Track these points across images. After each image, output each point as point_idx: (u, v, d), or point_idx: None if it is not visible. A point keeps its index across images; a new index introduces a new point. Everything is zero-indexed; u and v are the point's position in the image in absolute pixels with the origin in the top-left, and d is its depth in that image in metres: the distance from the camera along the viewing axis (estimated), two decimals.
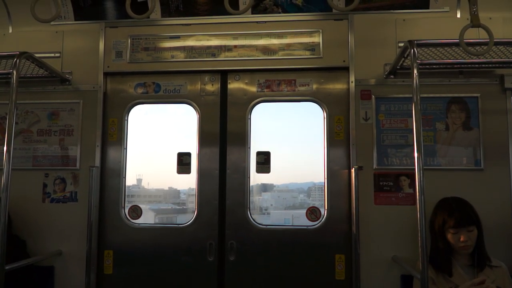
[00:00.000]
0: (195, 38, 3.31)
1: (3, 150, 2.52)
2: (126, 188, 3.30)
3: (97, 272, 3.18)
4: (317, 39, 3.22)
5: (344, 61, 3.18)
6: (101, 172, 3.28)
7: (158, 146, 3.43)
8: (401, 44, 2.69)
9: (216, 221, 3.18)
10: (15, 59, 2.67)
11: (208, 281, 3.14)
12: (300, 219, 3.21)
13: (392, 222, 3.00)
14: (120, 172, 3.29)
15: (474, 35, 2.65)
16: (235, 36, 3.28)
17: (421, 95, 2.38)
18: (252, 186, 3.23)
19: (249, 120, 3.27)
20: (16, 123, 3.25)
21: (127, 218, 3.26)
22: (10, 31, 3.44)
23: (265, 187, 3.48)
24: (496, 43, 2.50)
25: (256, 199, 3.36)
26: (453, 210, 2.64)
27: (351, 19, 3.20)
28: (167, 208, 3.57)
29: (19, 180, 3.18)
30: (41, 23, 2.82)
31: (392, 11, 3.18)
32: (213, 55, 3.28)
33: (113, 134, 3.33)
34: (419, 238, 2.26)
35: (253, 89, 3.30)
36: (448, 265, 2.63)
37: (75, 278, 3.14)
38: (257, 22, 3.29)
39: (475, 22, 2.47)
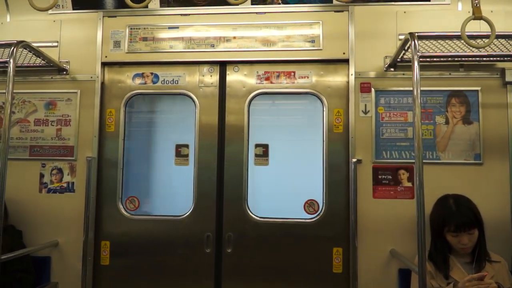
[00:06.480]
0: (194, 29, 3.28)
1: None
2: (123, 179, 3.28)
3: (93, 263, 3.18)
4: (317, 30, 3.19)
5: (344, 53, 3.15)
6: (98, 163, 3.26)
7: (156, 137, 3.41)
8: (402, 37, 2.66)
9: (213, 213, 3.17)
10: (12, 48, 2.66)
11: (205, 273, 3.14)
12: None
13: (390, 216, 2.99)
14: (117, 163, 3.27)
15: (476, 28, 2.63)
16: (235, 27, 3.25)
17: (421, 88, 2.36)
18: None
19: (247, 112, 3.24)
20: (13, 112, 3.24)
21: (125, 209, 3.24)
22: (8, 20, 3.41)
23: None
24: (498, 36, 2.49)
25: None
26: (453, 213, 2.58)
27: (352, 11, 3.17)
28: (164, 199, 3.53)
29: (16, 170, 3.19)
30: (39, 12, 2.80)
31: (393, 3, 3.16)
32: (212, 46, 3.25)
33: (111, 125, 3.30)
34: (418, 233, 2.25)
35: (252, 81, 3.27)
36: (447, 262, 2.61)
37: (72, 269, 3.14)
38: (256, 13, 3.25)
39: (477, 15, 2.45)
